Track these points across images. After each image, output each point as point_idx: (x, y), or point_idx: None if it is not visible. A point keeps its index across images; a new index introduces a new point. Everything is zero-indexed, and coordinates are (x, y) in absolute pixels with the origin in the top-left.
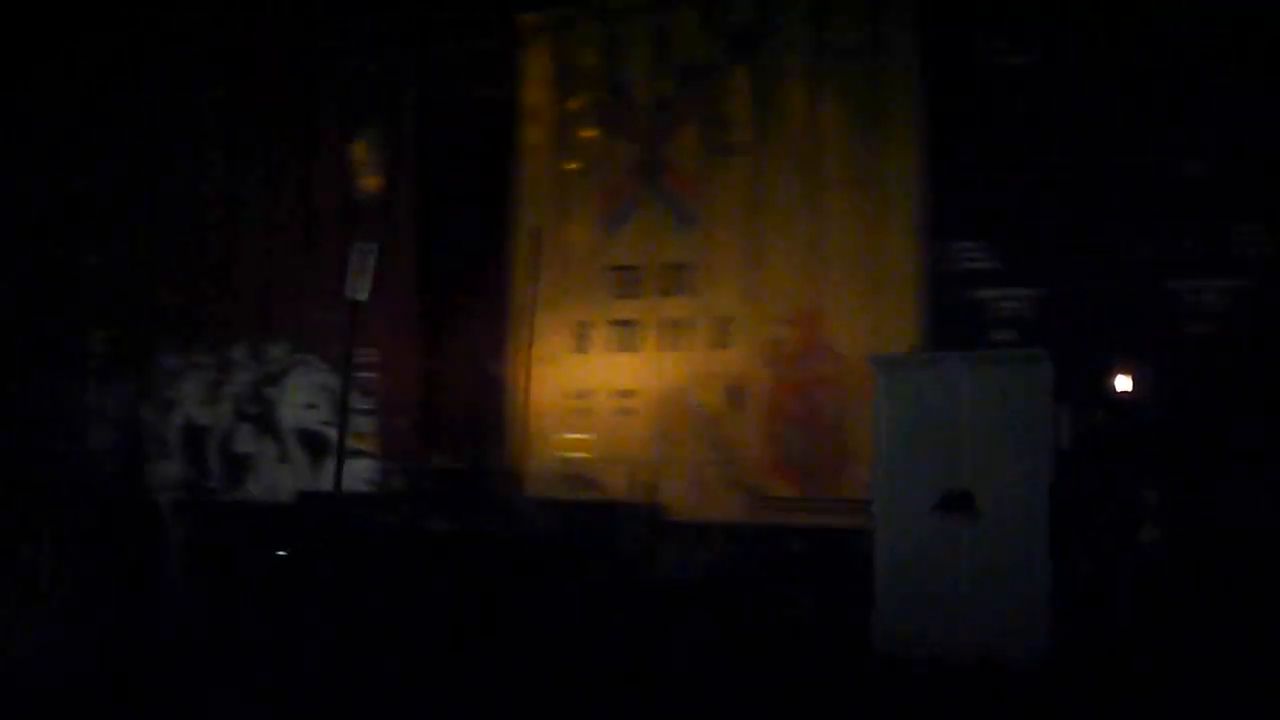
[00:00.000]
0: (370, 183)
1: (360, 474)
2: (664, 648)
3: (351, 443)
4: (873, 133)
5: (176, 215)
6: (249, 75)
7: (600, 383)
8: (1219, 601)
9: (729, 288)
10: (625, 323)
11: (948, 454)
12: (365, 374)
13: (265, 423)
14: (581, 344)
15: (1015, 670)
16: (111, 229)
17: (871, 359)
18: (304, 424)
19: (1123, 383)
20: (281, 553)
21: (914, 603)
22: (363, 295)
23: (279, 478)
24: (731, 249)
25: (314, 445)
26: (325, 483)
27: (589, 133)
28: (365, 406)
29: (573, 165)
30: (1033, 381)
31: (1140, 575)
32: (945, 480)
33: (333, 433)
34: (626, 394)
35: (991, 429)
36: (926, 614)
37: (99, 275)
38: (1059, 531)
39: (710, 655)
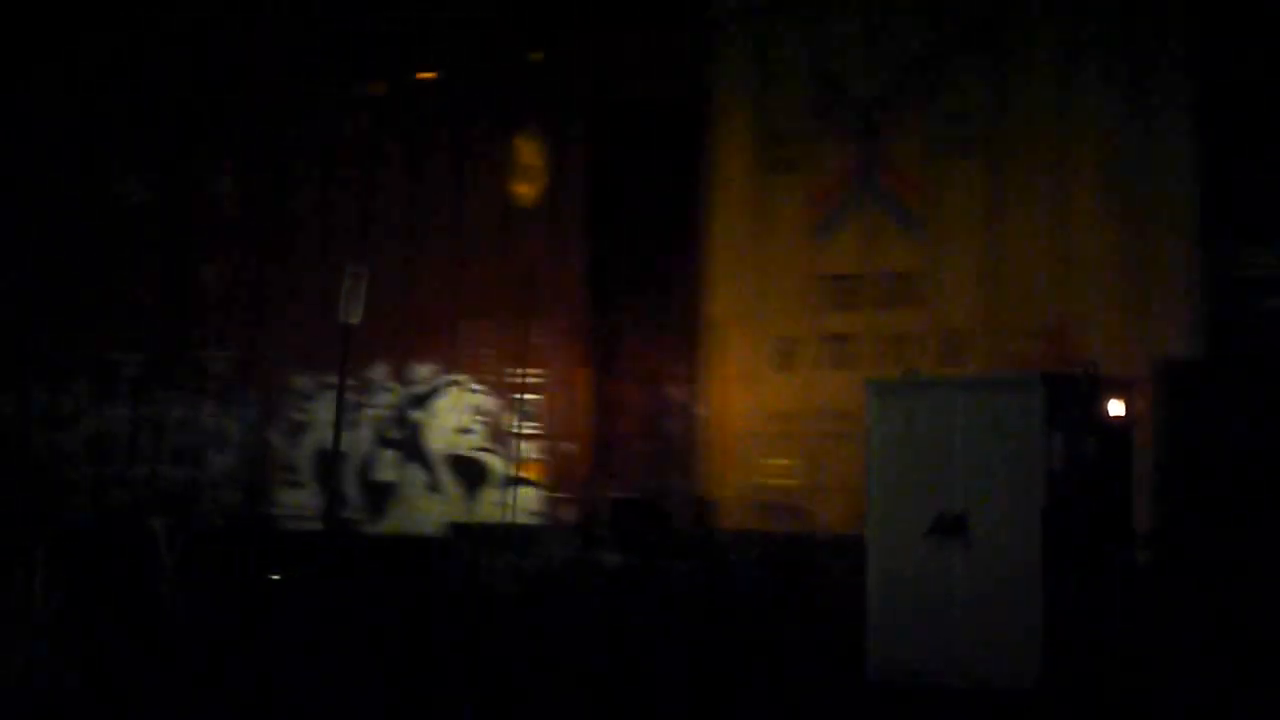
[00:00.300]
0: (532, 190)
1: (525, 504)
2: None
3: (513, 470)
4: (1136, 123)
5: (306, 227)
6: (400, 70)
7: (808, 403)
8: (1213, 622)
9: (962, 298)
10: (839, 337)
11: (941, 478)
12: (529, 396)
13: (411, 449)
14: (785, 361)
15: (1009, 694)
16: (235, 241)
17: (866, 382)
18: (456, 450)
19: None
20: (275, 576)
21: (907, 628)
22: (355, 319)
23: (427, 508)
24: (964, 255)
25: (468, 473)
26: (483, 513)
27: (794, 130)
28: (530, 431)
29: (774, 167)
30: (1026, 405)
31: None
32: (938, 504)
33: (490, 459)
34: (840, 415)
35: (985, 453)
36: (920, 639)
37: (218, 290)
38: (1052, 554)
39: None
